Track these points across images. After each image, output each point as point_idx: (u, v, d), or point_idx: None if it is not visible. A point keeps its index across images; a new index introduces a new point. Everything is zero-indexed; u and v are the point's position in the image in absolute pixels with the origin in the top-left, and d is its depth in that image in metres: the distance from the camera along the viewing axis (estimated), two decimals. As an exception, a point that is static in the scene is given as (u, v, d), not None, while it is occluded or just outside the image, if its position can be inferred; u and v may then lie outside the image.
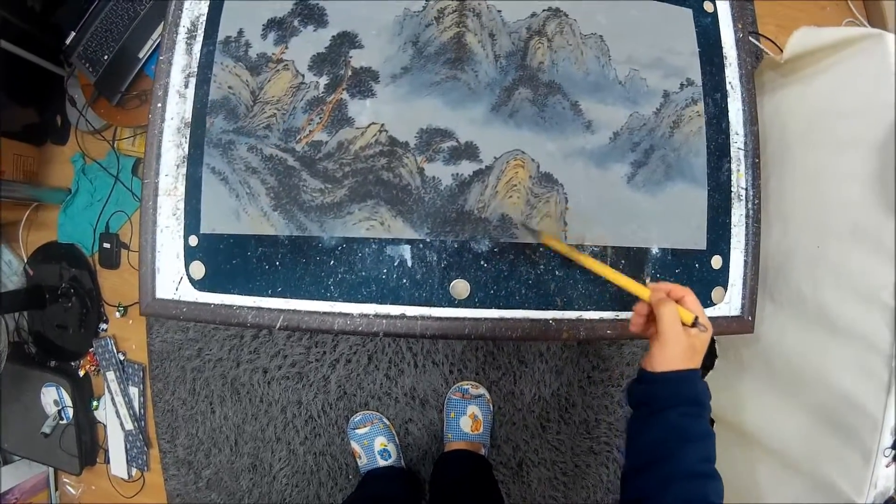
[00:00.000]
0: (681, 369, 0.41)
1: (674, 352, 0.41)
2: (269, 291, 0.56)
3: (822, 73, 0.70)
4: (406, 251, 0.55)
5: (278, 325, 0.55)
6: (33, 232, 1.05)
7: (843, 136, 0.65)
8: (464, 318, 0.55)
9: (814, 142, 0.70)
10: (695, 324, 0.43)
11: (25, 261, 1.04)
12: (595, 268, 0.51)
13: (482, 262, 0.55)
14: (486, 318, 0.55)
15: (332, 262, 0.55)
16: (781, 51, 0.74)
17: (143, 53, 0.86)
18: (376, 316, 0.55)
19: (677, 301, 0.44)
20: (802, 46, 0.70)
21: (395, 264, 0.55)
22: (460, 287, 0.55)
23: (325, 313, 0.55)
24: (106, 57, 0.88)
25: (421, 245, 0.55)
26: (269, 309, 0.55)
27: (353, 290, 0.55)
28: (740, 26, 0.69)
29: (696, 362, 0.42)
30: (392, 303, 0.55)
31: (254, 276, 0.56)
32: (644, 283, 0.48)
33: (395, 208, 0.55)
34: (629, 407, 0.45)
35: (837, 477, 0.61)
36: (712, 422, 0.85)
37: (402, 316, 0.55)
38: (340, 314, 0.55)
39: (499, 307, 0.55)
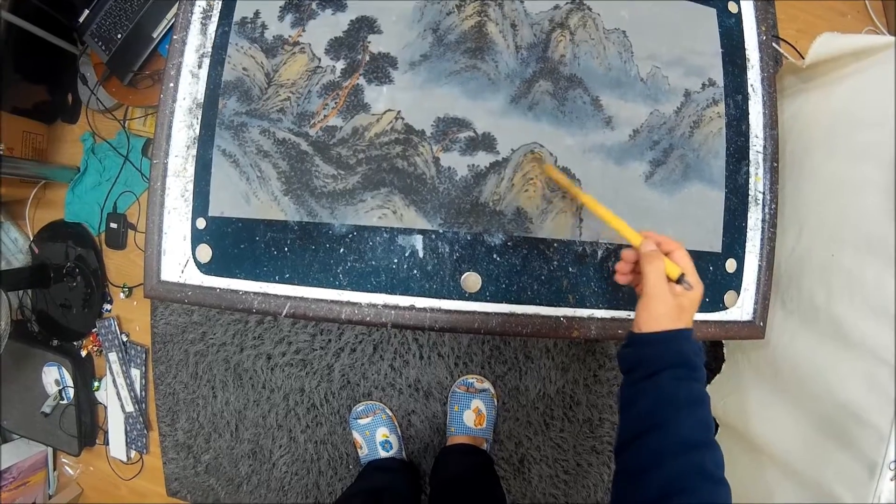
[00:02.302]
0: (668, 329, 0.38)
1: (659, 311, 0.39)
2: (277, 277, 0.55)
3: (843, 80, 0.68)
4: (418, 241, 0.54)
5: (284, 312, 0.55)
6: (40, 210, 1.05)
7: (862, 144, 0.64)
8: (474, 312, 0.54)
9: (832, 149, 0.68)
10: (680, 280, 0.40)
11: (31, 238, 1.04)
12: (590, 204, 0.49)
13: (495, 256, 0.55)
14: (496, 313, 0.54)
15: (342, 249, 0.54)
16: (801, 56, 0.73)
17: (157, 33, 0.86)
18: (385, 306, 0.54)
19: (667, 254, 0.41)
20: (825, 52, 0.69)
21: (407, 254, 0.54)
22: (472, 280, 0.54)
23: (332, 302, 0.54)
24: (119, 36, 0.87)
25: (433, 236, 0.54)
26: (275, 295, 0.55)
27: (362, 279, 0.54)
28: (764, 29, 0.68)
29: (685, 321, 0.39)
30: (402, 293, 0.54)
31: (261, 262, 0.55)
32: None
33: (409, 197, 0.54)
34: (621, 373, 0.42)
35: (841, 489, 0.60)
36: (715, 428, 0.84)
37: (412, 307, 0.54)
38: (348, 303, 0.54)
39: (510, 302, 0.55)
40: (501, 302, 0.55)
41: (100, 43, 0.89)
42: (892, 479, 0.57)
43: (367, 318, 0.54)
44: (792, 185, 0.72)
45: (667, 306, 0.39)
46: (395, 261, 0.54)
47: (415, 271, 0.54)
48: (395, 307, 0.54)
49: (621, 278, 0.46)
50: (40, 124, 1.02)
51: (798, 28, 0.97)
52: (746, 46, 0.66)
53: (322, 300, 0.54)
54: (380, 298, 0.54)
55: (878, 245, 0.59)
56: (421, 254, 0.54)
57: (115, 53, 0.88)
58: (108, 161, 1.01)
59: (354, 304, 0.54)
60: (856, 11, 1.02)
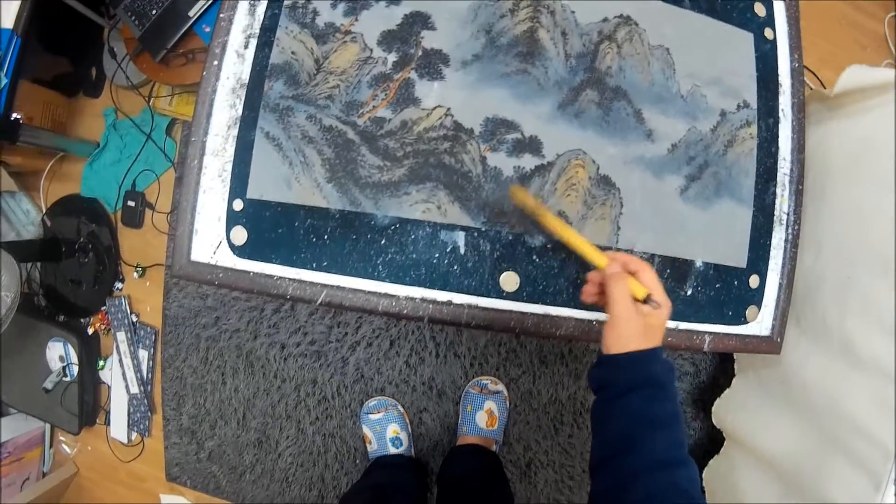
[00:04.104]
0: (637, 350, 0.38)
1: (626, 332, 0.38)
2: (314, 265, 0.55)
3: (868, 112, 0.71)
4: (460, 238, 0.55)
5: (320, 300, 0.55)
6: (55, 183, 1.03)
7: (884, 174, 0.66)
8: (510, 311, 0.55)
9: (854, 176, 0.71)
10: (647, 300, 0.40)
11: (44, 211, 1.01)
12: (557, 227, 0.49)
13: (534, 257, 0.55)
14: (532, 314, 0.55)
15: (383, 241, 0.55)
16: (822, 84, 0.75)
17: (194, 12, 0.85)
18: (423, 300, 0.54)
19: (633, 274, 0.41)
20: (852, 83, 0.71)
21: (448, 250, 0.55)
22: (510, 279, 0.55)
23: (370, 293, 0.54)
24: (154, 11, 0.86)
25: (475, 233, 0.55)
26: (311, 283, 0.55)
27: (401, 272, 0.54)
28: (796, 56, 0.70)
29: (654, 341, 0.39)
30: (440, 288, 0.54)
31: (299, 248, 0.55)
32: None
33: (454, 194, 0.55)
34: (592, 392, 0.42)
35: (845, 503, 0.62)
36: (722, 441, 0.86)
37: (449, 303, 0.54)
38: (386, 295, 0.54)
39: (545, 303, 0.55)
40: (538, 303, 0.55)
41: (133, 17, 0.88)
42: (896, 494, 0.58)
43: (405, 312, 0.54)
44: (813, 208, 0.74)
45: (634, 327, 0.39)
46: (437, 255, 0.54)
47: (455, 267, 0.55)
48: (434, 302, 0.54)
49: (587, 298, 0.45)
50: (61, 96, 1.00)
51: (819, 58, 1.00)
52: (779, 72, 0.68)
53: (359, 290, 0.54)
54: (418, 292, 0.54)
55: (893, 269, 0.61)
56: (462, 250, 0.55)
57: (148, 29, 0.87)
58: (129, 138, 1.00)
59: (392, 296, 0.54)
60: (875, 44, 1.06)
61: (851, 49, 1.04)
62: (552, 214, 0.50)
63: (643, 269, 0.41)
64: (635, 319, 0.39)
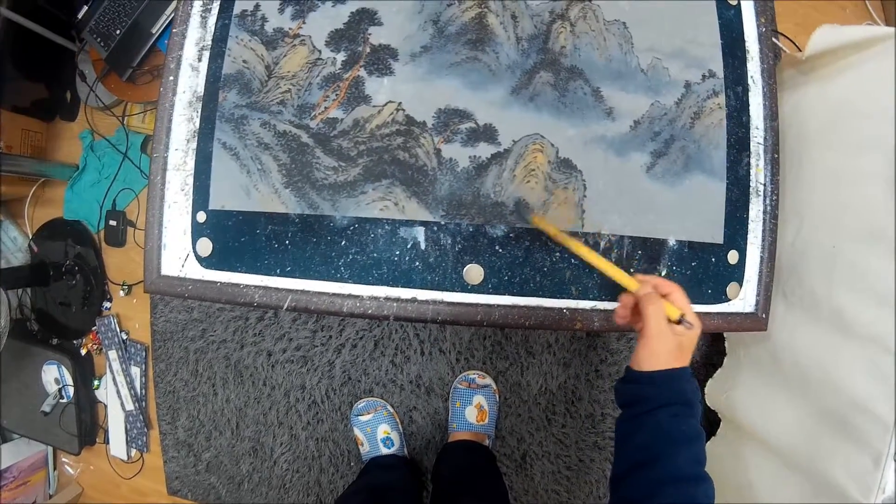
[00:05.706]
0: (668, 368, 0.40)
1: (659, 350, 0.40)
2: (278, 271, 0.55)
3: (843, 72, 0.68)
4: (420, 233, 0.54)
5: (286, 305, 0.54)
6: (39, 208, 1.05)
7: (863, 136, 0.64)
8: (476, 304, 0.54)
9: (833, 141, 0.69)
10: (681, 321, 0.42)
11: (30, 237, 1.03)
12: (585, 255, 0.50)
13: (497, 248, 0.54)
14: (498, 305, 0.54)
15: (343, 242, 0.54)
16: (800, 50, 0.73)
17: (156, 29, 0.86)
18: (387, 299, 0.54)
19: (665, 296, 0.43)
20: (824, 44, 0.69)
21: (409, 246, 0.54)
22: (474, 272, 0.54)
23: (334, 295, 0.54)
24: (118, 32, 0.87)
25: (435, 227, 0.54)
26: (277, 289, 0.55)
27: (364, 272, 0.54)
28: (763, 21, 0.68)
29: (683, 360, 0.41)
30: (403, 286, 0.54)
31: (262, 255, 0.55)
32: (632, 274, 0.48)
33: (410, 189, 0.54)
34: (618, 406, 0.44)
35: (845, 480, 0.60)
36: (718, 422, 0.84)
37: (414, 300, 0.54)
38: (350, 296, 0.54)
39: (512, 294, 0.54)
40: (504, 294, 0.54)
41: (98, 39, 0.89)
42: (896, 470, 0.56)
43: (369, 311, 0.53)
44: (792, 177, 0.72)
45: (668, 346, 0.40)
46: (397, 253, 0.54)
47: (417, 263, 0.54)
48: (398, 300, 0.54)
49: (620, 320, 0.47)
50: (39, 122, 1.02)
51: (796, 22, 0.97)
52: (746, 38, 0.66)
53: (324, 293, 0.54)
54: (382, 291, 0.54)
55: (879, 235, 0.59)
56: (423, 246, 0.54)
57: (113, 49, 0.88)
58: (107, 158, 1.01)
59: (356, 296, 0.54)
60: (854, 6, 1.03)
61: (829, 12, 1.01)
62: (576, 241, 0.51)
63: (674, 290, 0.43)
64: (669, 338, 0.41)
